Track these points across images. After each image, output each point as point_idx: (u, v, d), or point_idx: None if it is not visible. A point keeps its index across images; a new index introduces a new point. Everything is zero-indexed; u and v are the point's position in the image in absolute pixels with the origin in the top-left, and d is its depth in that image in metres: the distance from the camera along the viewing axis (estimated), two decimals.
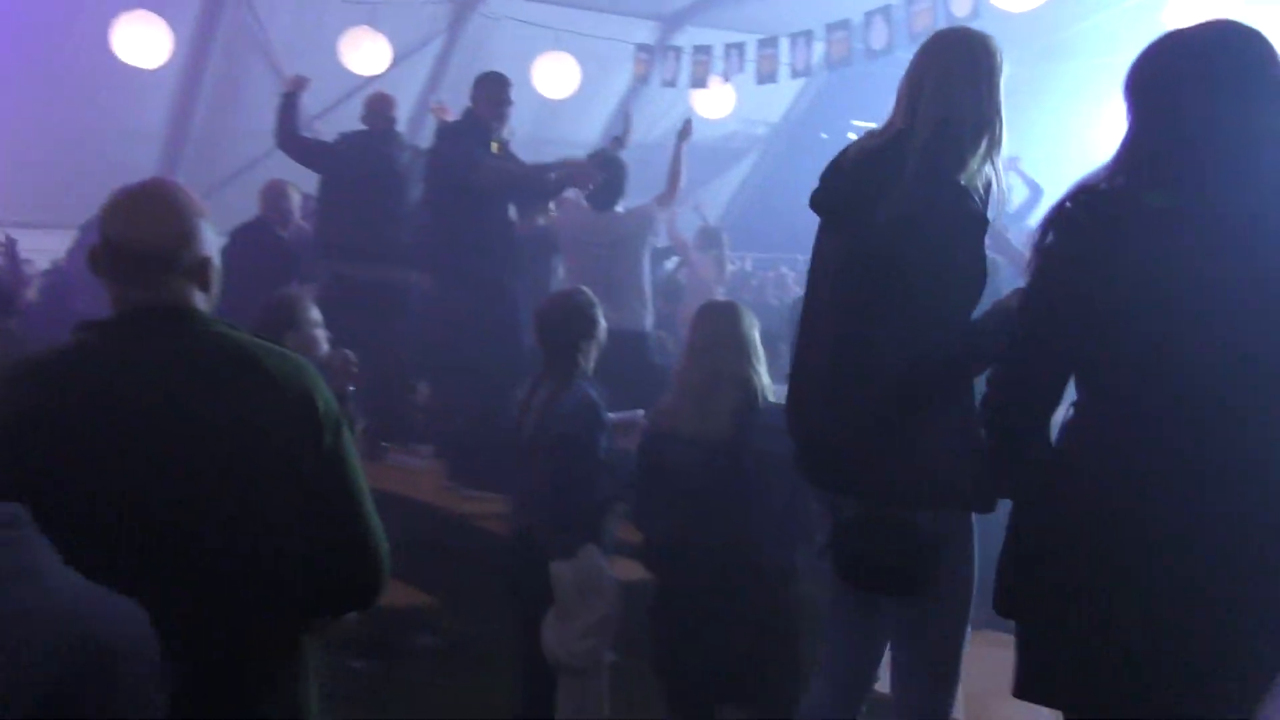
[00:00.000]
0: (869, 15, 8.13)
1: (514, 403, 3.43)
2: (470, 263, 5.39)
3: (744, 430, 2.90)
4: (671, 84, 9.62)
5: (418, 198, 6.00)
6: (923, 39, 7.68)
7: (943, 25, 7.47)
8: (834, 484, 2.38)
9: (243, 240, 5.89)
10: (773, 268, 10.62)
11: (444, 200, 5.60)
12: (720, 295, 7.83)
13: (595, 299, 3.46)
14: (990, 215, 2.27)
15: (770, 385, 2.98)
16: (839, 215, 2.36)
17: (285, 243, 6.23)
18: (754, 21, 10.29)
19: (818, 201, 2.40)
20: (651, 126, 9.98)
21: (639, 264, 5.41)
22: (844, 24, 8.50)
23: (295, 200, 6.40)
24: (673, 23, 10.78)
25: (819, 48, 8.80)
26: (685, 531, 2.99)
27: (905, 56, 2.54)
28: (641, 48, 9.90)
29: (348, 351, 3.53)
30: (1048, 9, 8.23)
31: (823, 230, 2.43)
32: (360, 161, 5.97)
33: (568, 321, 3.36)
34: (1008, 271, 4.99)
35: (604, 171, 5.44)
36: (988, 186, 2.28)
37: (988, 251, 2.28)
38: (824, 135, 12.73)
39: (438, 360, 5.71)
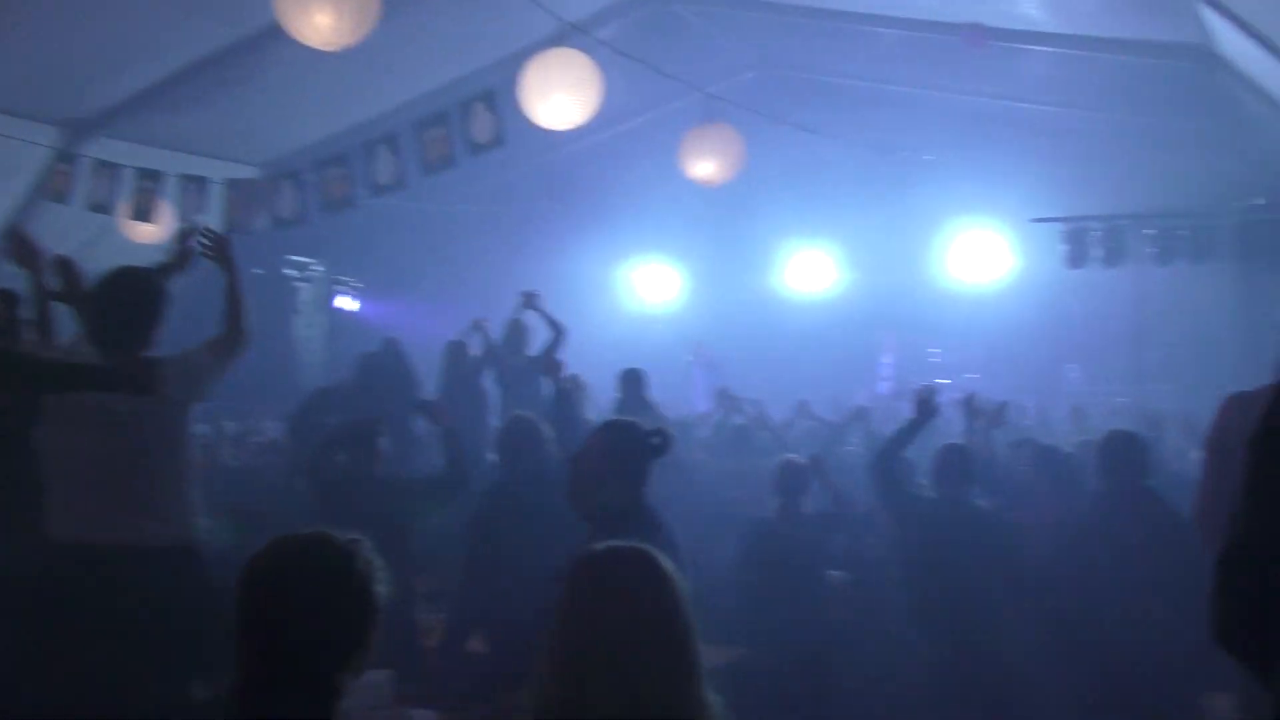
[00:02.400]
0: (368, 145, 7.11)
1: None
2: None
3: None
4: (104, 210, 7.78)
5: None
6: (439, 169, 6.58)
7: (462, 153, 6.72)
8: None
9: None
10: None
11: None
12: None
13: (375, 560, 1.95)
14: None
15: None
16: None
17: None
18: (179, 137, 8.83)
19: None
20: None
21: (182, 443, 3.70)
22: (339, 159, 7.36)
23: None
24: (82, 130, 8.80)
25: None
26: None
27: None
28: (62, 156, 7.90)
29: None
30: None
31: None
32: None
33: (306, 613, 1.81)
34: None
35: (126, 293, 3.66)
36: None
37: None
38: (258, 271, 11.38)
39: None
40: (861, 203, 11.47)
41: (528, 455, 4.66)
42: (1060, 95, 9.61)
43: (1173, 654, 3.69)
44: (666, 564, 1.92)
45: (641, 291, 14.05)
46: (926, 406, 4.74)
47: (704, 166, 7.24)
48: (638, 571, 1.88)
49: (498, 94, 6.51)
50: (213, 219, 7.92)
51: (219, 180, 7.94)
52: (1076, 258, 9.37)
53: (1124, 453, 4.06)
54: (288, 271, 11.69)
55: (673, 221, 12.68)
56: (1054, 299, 10.86)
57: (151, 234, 7.92)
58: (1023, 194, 10.20)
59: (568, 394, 4.95)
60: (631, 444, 3.16)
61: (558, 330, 7.54)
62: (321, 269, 12.01)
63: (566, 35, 6.59)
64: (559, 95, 5.83)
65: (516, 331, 7.68)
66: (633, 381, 6.98)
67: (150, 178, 7.77)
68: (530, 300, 7.70)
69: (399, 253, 13.02)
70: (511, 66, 6.52)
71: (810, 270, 12.89)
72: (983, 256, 11.84)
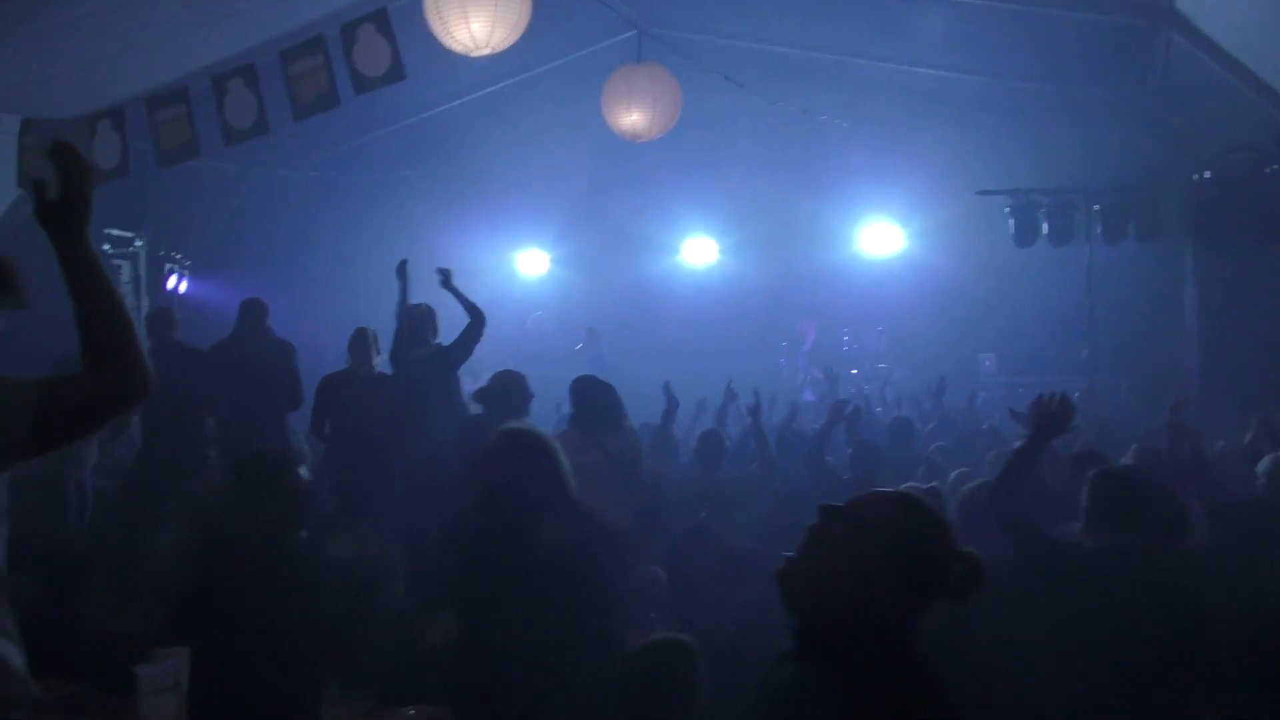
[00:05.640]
0: (219, 80, 5.61)
1: None
2: None
3: None
4: None
5: None
6: (315, 110, 5.00)
7: (346, 89, 5.33)
8: None
9: None
10: None
11: None
12: None
13: None
14: None
15: None
16: None
17: None
18: None
19: None
20: None
21: None
22: (177, 96, 5.82)
23: None
24: None
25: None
26: None
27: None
28: None
29: None
30: None
31: None
32: None
33: None
34: None
35: None
36: None
37: None
38: None
39: None
40: (773, 168, 10.48)
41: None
42: (996, 61, 8.83)
43: None
44: None
45: (516, 270, 12.79)
46: (1048, 422, 3.46)
47: (635, 116, 5.96)
48: None
49: (392, 18, 5.13)
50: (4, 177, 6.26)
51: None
52: (1024, 235, 8.53)
53: None
54: (105, 247, 9.76)
55: (551, 193, 11.41)
56: (970, 279, 10.14)
57: None
58: (956, 166, 9.37)
59: None
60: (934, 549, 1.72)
61: (476, 316, 5.89)
62: (143, 244, 10.11)
63: None
64: (476, 10, 4.51)
65: (423, 318, 6.01)
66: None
67: None
68: (446, 278, 6.04)
69: (235, 225, 11.19)
70: None
71: (700, 247, 11.94)
72: (890, 234, 11.05)
